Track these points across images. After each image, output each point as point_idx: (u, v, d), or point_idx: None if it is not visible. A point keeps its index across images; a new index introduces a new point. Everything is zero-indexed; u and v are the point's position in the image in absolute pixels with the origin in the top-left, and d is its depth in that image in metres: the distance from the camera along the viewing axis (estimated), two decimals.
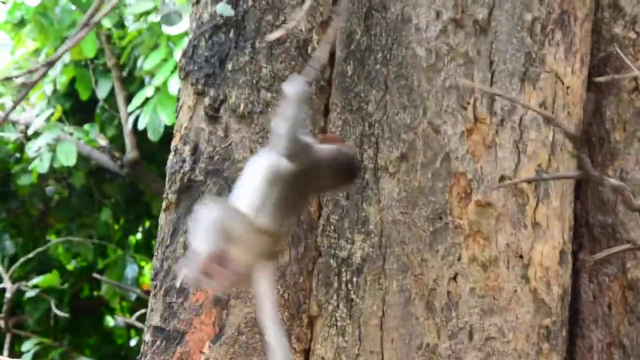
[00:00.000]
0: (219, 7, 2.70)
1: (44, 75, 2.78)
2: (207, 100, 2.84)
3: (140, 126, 5.27)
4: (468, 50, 2.71)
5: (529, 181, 2.60)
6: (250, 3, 2.86)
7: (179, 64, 2.96)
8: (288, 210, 2.17)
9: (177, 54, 5.13)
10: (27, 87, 3.06)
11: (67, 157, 5.33)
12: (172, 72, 5.02)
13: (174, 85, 4.98)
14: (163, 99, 5.07)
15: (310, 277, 2.79)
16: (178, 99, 2.99)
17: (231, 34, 2.87)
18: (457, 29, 2.73)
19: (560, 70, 2.75)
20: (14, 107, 3.64)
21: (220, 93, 2.84)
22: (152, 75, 5.23)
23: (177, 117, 2.95)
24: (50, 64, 2.75)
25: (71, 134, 5.60)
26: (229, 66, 2.85)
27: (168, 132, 4.79)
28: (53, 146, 5.27)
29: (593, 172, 2.34)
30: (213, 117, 2.83)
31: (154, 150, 5.42)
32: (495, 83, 2.71)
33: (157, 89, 5.12)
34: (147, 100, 5.21)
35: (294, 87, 2.15)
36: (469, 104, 2.67)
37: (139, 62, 5.41)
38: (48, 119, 5.28)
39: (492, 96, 2.66)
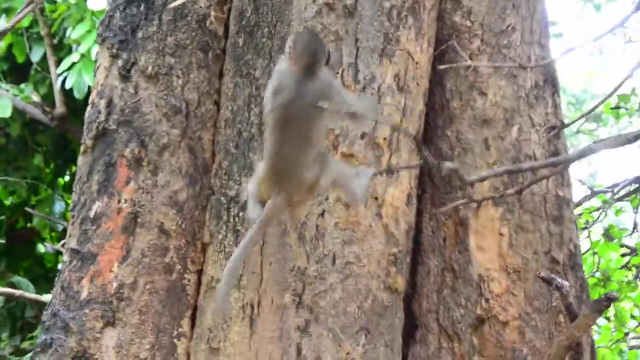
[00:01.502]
0: None
1: None
2: (120, 62, 3.16)
3: (68, 86, 5.79)
4: (338, 30, 3.01)
5: (381, 173, 2.87)
6: None
7: (98, 32, 3.29)
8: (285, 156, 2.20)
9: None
10: None
11: (4, 110, 5.79)
12: (95, 41, 5.47)
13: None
14: (87, 64, 5.62)
15: (204, 211, 3.11)
16: (96, 61, 3.29)
17: (142, 7, 3.22)
18: (329, 11, 3.02)
19: (412, 48, 3.07)
20: None
21: (132, 57, 3.16)
22: (78, 43, 5.70)
23: (94, 76, 3.25)
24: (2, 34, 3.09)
25: (7, 90, 6.02)
26: (139, 34, 3.18)
27: (91, 92, 5.23)
28: None
29: (433, 163, 2.54)
30: (125, 76, 3.14)
31: (79, 107, 5.81)
32: (359, 57, 2.99)
33: (82, 55, 5.68)
34: (73, 64, 5.74)
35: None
36: (337, 73, 2.95)
37: (68, 32, 5.87)
38: None
39: (356, 67, 2.96)
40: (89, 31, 5.68)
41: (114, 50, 3.19)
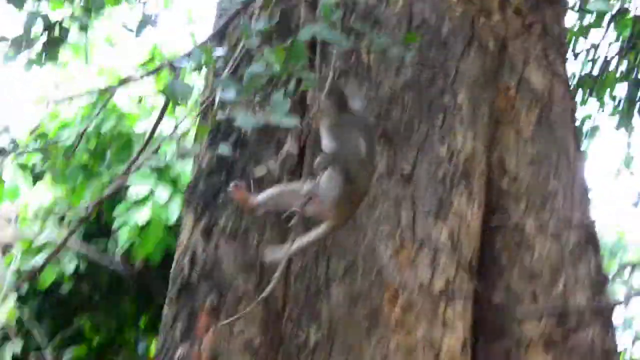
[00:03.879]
0: (221, 148, 3.24)
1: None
2: (202, 224, 3.48)
3: None
4: (397, 194, 3.29)
5: None
6: (238, 153, 3.52)
7: (184, 196, 3.66)
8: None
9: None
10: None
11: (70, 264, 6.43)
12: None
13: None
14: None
15: (277, 357, 3.31)
16: (182, 222, 3.64)
17: (222, 175, 3.54)
18: (389, 178, 3.31)
19: (464, 211, 3.32)
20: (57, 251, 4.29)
21: (213, 218, 3.46)
22: None
23: (180, 235, 3.60)
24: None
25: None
26: (220, 198, 3.49)
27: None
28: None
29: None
30: (207, 236, 3.44)
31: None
32: (416, 219, 3.25)
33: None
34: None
35: None
36: (396, 232, 3.21)
37: None
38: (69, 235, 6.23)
39: (413, 228, 3.22)
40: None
41: (198, 213, 3.53)
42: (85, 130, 4.43)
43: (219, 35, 3.51)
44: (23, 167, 6.66)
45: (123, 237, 6.15)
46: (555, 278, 3.41)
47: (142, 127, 6.49)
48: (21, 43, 3.06)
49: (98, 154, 6.56)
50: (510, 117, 3.68)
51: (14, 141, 3.44)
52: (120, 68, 6.93)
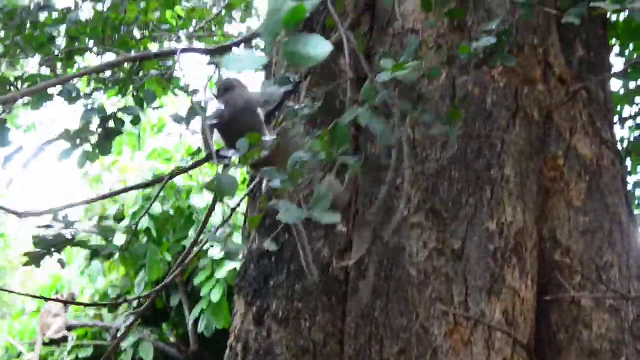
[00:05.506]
0: (267, 244, 3.16)
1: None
2: (254, 309, 3.50)
3: (200, 329, 6.72)
4: (448, 271, 3.25)
5: None
6: (286, 237, 3.57)
7: (235, 283, 3.69)
8: None
9: (218, 274, 6.28)
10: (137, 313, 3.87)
11: (147, 354, 6.56)
12: (214, 286, 6.18)
13: (215, 295, 6.15)
14: (215, 310, 6.39)
15: None
16: (233, 307, 3.65)
17: (272, 260, 3.60)
18: (439, 255, 3.28)
19: (517, 286, 3.26)
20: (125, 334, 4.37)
21: (265, 303, 3.49)
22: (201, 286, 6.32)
23: (232, 321, 3.61)
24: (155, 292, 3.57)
25: (150, 334, 6.57)
26: (271, 283, 3.52)
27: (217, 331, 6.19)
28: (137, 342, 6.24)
29: None
30: (259, 321, 3.46)
31: (208, 345, 6.55)
32: (469, 295, 3.20)
33: (210, 303, 6.20)
34: (203, 310, 6.63)
35: None
36: (449, 312, 3.14)
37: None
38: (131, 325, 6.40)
39: (466, 305, 3.17)
40: (208, 277, 6.35)
41: (249, 299, 3.55)
42: (147, 212, 4.49)
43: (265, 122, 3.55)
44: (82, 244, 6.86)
45: (196, 312, 6.37)
46: (617, 355, 3.32)
47: (197, 202, 6.71)
48: (77, 138, 3.13)
49: (161, 231, 6.77)
50: (560, 187, 3.64)
51: (71, 224, 3.47)
52: (171, 151, 7.16)
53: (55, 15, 4.09)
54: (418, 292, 3.26)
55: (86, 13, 4.30)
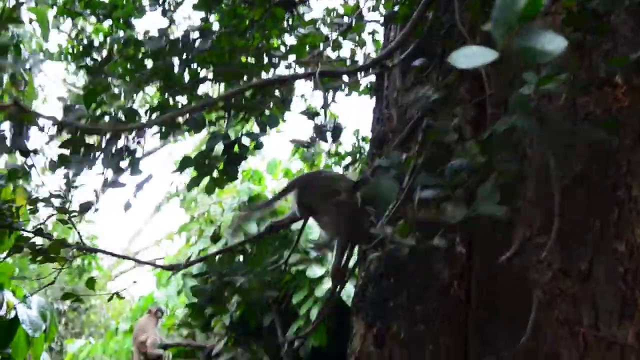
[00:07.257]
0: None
1: None
2: (374, 330, 3.47)
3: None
4: (575, 294, 3.17)
5: None
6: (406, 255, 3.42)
7: (353, 302, 3.68)
8: None
9: (317, 292, 6.31)
10: None
11: None
12: (312, 305, 6.18)
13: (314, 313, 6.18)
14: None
15: None
16: (352, 328, 3.63)
17: (392, 280, 3.56)
18: (564, 277, 3.21)
19: None
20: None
21: (385, 324, 3.46)
22: (299, 306, 6.32)
23: (350, 343, 3.57)
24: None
25: (243, 353, 6.64)
26: (391, 304, 3.50)
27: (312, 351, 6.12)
28: None
29: None
30: (380, 343, 3.44)
31: None
32: (599, 318, 3.11)
33: (307, 322, 6.16)
34: (299, 328, 6.57)
35: None
36: (577, 332, 3.07)
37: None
38: (226, 344, 6.43)
39: (597, 328, 3.07)
40: (306, 296, 6.37)
41: (369, 320, 3.51)
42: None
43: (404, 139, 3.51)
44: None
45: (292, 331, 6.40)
46: None
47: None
48: (203, 164, 3.15)
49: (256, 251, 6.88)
50: None
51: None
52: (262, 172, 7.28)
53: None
54: (545, 314, 3.16)
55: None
